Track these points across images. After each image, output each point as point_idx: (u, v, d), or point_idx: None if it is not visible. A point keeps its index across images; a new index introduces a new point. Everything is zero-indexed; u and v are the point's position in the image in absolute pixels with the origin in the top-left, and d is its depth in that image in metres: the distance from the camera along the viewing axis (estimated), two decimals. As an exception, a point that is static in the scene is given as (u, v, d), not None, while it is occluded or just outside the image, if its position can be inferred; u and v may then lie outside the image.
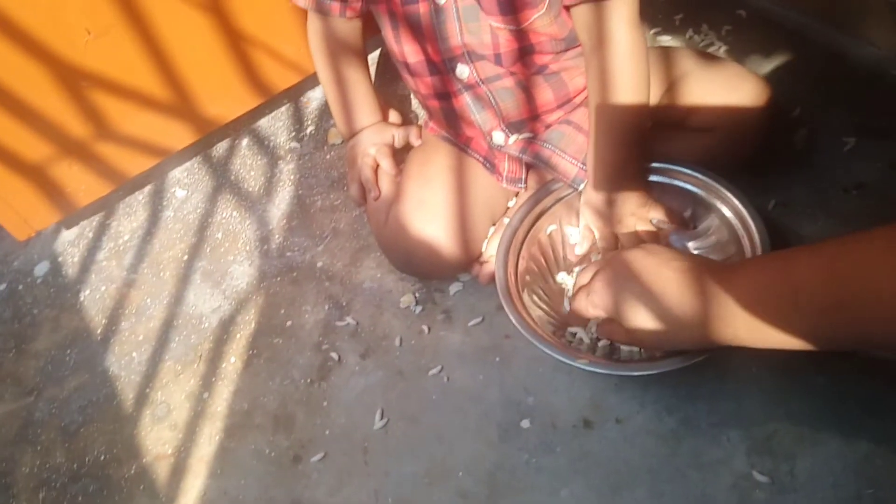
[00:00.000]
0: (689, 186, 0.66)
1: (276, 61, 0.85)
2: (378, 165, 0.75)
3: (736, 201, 0.63)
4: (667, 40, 0.86)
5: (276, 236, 0.82)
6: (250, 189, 0.87)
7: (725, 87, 0.67)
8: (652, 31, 0.88)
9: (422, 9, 0.63)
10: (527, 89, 0.66)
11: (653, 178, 0.67)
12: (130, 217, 0.89)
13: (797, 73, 0.79)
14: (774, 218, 0.69)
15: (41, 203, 0.81)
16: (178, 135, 0.84)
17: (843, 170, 0.71)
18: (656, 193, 0.66)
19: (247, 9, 0.79)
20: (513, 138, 0.70)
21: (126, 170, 0.84)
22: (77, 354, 0.78)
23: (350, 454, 0.66)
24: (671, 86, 0.70)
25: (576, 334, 0.64)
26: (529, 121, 0.69)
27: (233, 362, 0.74)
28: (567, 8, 0.61)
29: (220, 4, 0.78)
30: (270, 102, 0.90)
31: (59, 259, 0.87)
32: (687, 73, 0.69)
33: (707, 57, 0.72)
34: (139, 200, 0.90)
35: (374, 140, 0.76)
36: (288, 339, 0.74)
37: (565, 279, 0.69)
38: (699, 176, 0.65)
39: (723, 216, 0.64)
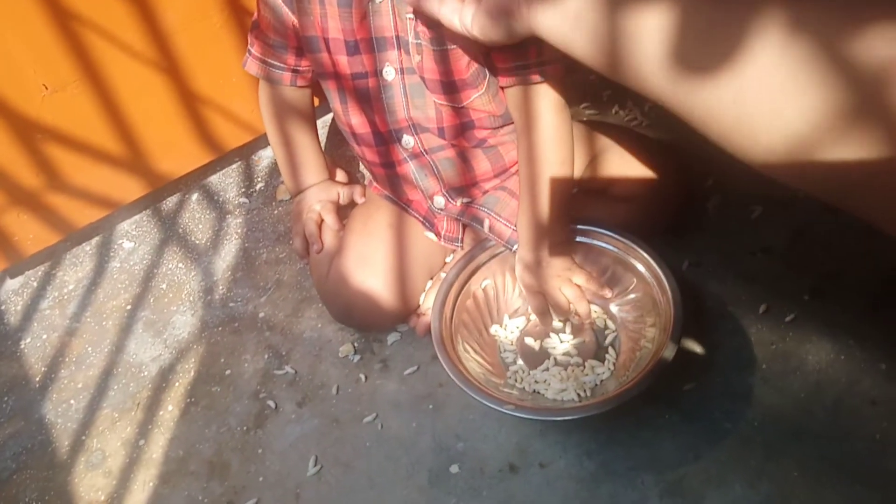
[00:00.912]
0: (609, 247, 0.71)
1: (228, 120, 0.89)
2: (322, 220, 0.79)
3: (652, 262, 0.68)
4: (594, 114, 0.94)
5: (220, 287, 0.84)
6: (197, 242, 0.89)
7: (643, 160, 0.74)
8: (581, 106, 0.95)
9: (370, 83, 0.67)
10: (467, 160, 0.72)
11: (579, 238, 0.72)
12: (76, 267, 0.90)
13: (711, 146, 0.86)
14: (687, 277, 0.75)
15: (-13, 251, 0.82)
16: (128, 188, 0.87)
17: (751, 235, 0.77)
18: (582, 252, 0.71)
19: (201, 70, 0.84)
20: (453, 202, 0.74)
21: (75, 221, 0.86)
22: (14, 401, 0.78)
23: (283, 500, 0.67)
24: (594, 158, 0.76)
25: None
26: (469, 187, 0.74)
27: (170, 410, 0.75)
28: (502, 88, 0.67)
29: (176, 65, 0.82)
30: (222, 159, 0.94)
31: (2, 307, 0.87)
32: (608, 147, 0.76)
33: (626, 132, 0.79)
34: (86, 251, 0.91)
35: (320, 197, 0.80)
36: (226, 388, 0.76)
37: (498, 331, 0.73)
38: (619, 238, 0.71)
39: (640, 275, 0.69)
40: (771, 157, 0.35)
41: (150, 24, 0.79)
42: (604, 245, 0.72)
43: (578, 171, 0.76)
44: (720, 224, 0.79)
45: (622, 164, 0.75)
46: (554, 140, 0.65)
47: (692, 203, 0.80)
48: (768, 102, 0.33)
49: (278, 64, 0.72)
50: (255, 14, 0.71)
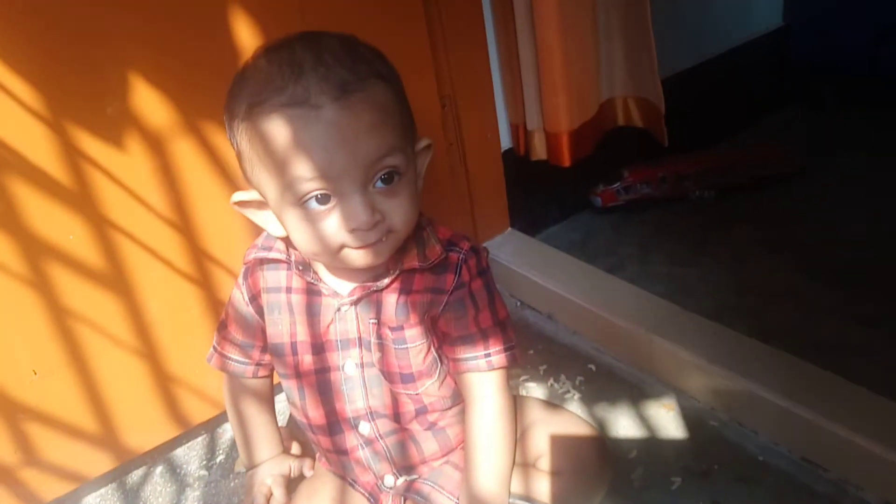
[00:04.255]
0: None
1: (198, 397, 0.98)
2: (272, 494, 0.84)
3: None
4: (532, 387, 1.03)
5: (172, 563, 0.87)
6: (156, 515, 0.94)
7: (570, 435, 0.82)
8: (521, 378, 1.05)
9: (332, 377, 0.76)
10: (418, 443, 0.79)
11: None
12: (36, 541, 0.93)
13: (635, 420, 0.95)
14: (612, 550, 0.79)
15: (-48, 527, 0.86)
16: (97, 462, 0.93)
17: (671, 506, 0.83)
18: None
19: (178, 355, 0.94)
20: (401, 480, 0.80)
21: (44, 495, 0.91)
22: None
23: None
24: (524, 432, 0.84)
25: None
26: (417, 466, 0.80)
27: None
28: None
29: (155, 351, 0.93)
30: (189, 433, 1.01)
31: (-45, 585, 0.89)
32: (535, 422, 0.84)
33: (551, 407, 0.88)
34: (49, 524, 0.95)
35: (272, 471, 0.86)
36: None
37: None
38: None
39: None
40: None
41: (136, 316, 0.91)
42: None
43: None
44: (641, 496, 0.85)
45: (546, 439, 0.82)
46: (499, 418, 0.75)
47: (618, 475, 0.86)
48: None
49: (242, 359, 0.81)
50: (224, 315, 0.82)
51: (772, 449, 0.88)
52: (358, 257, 0.67)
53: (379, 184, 0.65)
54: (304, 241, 0.67)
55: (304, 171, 0.62)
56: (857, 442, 0.80)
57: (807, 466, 0.85)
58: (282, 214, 0.67)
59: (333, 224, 0.65)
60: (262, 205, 0.70)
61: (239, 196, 0.71)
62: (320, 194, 0.63)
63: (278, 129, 0.62)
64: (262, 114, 0.62)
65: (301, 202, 0.64)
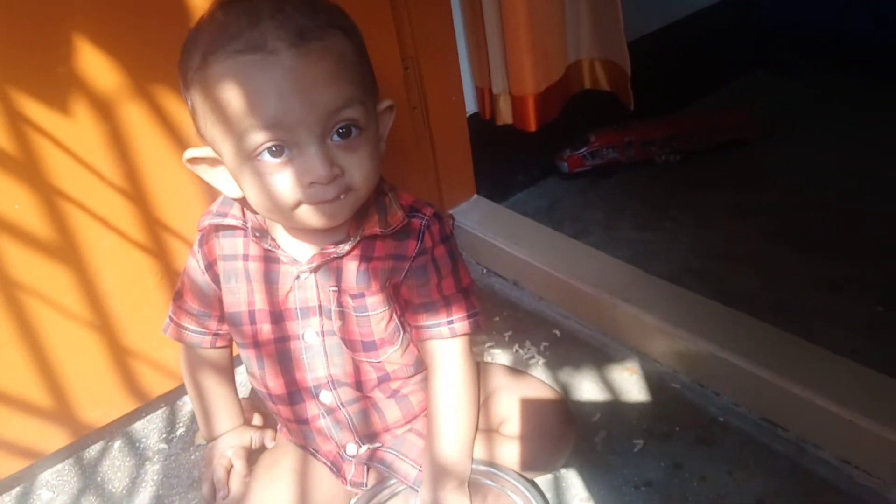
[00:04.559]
0: (499, 487, 0.77)
1: (156, 370, 0.96)
2: (232, 466, 0.83)
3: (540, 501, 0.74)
4: (497, 353, 1.03)
5: (133, 537, 0.86)
6: (114, 490, 0.92)
7: (534, 400, 0.82)
8: (486, 345, 1.04)
9: (292, 346, 0.74)
10: (380, 410, 0.78)
11: (475, 476, 0.77)
12: (-7, 519, 0.91)
13: (599, 384, 0.95)
14: (576, 514, 0.80)
15: None
16: (53, 438, 0.91)
17: (634, 468, 0.83)
18: (480, 494, 0.76)
19: (134, 327, 0.92)
20: (363, 448, 0.80)
21: (-3, 472, 0.89)
22: None
23: None
24: (487, 398, 0.84)
25: None
26: (380, 434, 0.80)
27: None
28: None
29: (110, 324, 0.90)
30: (148, 406, 0.99)
31: None
32: (499, 388, 0.83)
33: (515, 373, 0.87)
34: (5, 502, 0.93)
35: (233, 443, 0.84)
36: None
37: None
38: (504, 476, 0.77)
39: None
40: None
41: (88, 288, 0.88)
42: (492, 484, 0.77)
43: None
44: (605, 459, 0.85)
45: (511, 404, 0.82)
46: (461, 385, 0.75)
47: (582, 439, 0.86)
48: None
49: (199, 329, 0.79)
50: (179, 284, 0.80)
51: (732, 410, 0.89)
52: (315, 216, 0.64)
53: (336, 137, 0.62)
54: (258, 198, 0.65)
55: (257, 120, 0.60)
56: (815, 402, 0.81)
57: (766, 426, 0.86)
58: (236, 171, 0.65)
59: (288, 178, 0.62)
60: (215, 162, 0.67)
61: (191, 153, 0.68)
62: (274, 146, 0.61)
63: (232, 76, 0.59)
64: (215, 62, 0.60)
65: (254, 155, 0.62)
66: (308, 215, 0.64)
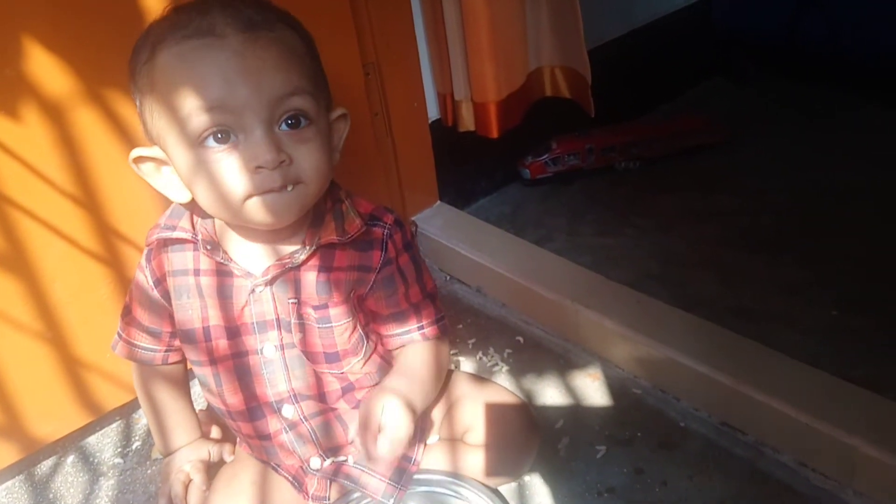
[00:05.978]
0: (460, 498, 0.76)
1: (110, 382, 0.93)
2: (191, 480, 0.81)
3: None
4: (461, 360, 1.02)
5: (85, 555, 0.83)
6: (67, 507, 0.89)
7: (493, 407, 0.81)
8: (451, 352, 1.03)
9: (251, 361, 0.72)
10: (345, 422, 0.77)
11: (437, 490, 0.77)
12: (-64, 539, 0.87)
13: (562, 390, 0.95)
14: (538, 521, 0.79)
15: None
16: (2, 454, 0.88)
17: (596, 474, 0.83)
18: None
19: (87, 338, 0.89)
20: (328, 461, 0.78)
21: (-60, 490, 0.85)
22: None
23: None
24: (450, 408, 0.83)
25: None
26: (343, 446, 0.78)
27: None
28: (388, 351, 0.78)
29: (61, 335, 0.88)
30: (102, 419, 0.96)
31: None
32: (462, 397, 0.83)
33: (479, 381, 0.87)
34: (-50, 521, 0.89)
35: (190, 457, 0.82)
36: None
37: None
38: (466, 486, 0.77)
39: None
40: None
41: (38, 298, 0.85)
42: (455, 497, 0.77)
43: (437, 419, 0.83)
44: (568, 465, 0.85)
45: (478, 413, 0.81)
46: (431, 350, 0.77)
47: (545, 445, 0.86)
48: None
49: (151, 346, 0.77)
50: (128, 299, 0.77)
51: (693, 414, 0.89)
52: (263, 211, 0.62)
53: (285, 127, 0.61)
54: (206, 193, 0.63)
55: (202, 102, 0.58)
56: (773, 406, 0.82)
57: (726, 431, 0.87)
58: (183, 167, 0.63)
59: (234, 164, 0.60)
60: (162, 163, 0.66)
61: (138, 151, 0.66)
62: (220, 132, 0.60)
63: (178, 61, 0.59)
64: (163, 50, 0.59)
65: (200, 141, 0.60)
66: (257, 210, 0.62)
